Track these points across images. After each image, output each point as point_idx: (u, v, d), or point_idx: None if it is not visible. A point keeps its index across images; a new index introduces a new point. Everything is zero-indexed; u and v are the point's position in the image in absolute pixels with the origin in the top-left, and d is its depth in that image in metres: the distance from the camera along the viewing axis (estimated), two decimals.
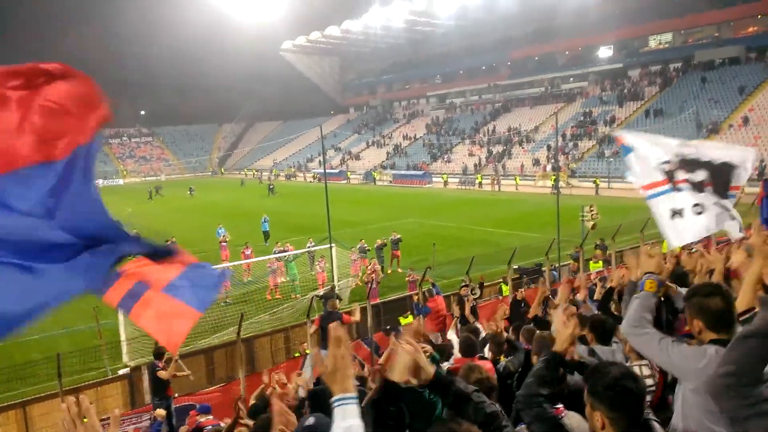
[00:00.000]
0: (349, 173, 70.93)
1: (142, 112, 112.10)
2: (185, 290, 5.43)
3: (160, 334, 5.38)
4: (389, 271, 23.01)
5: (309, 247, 22.42)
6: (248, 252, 23.25)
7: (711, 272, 5.66)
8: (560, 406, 3.38)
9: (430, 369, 2.55)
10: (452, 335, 9.12)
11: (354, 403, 2.06)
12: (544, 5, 66.97)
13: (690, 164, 5.93)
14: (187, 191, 60.65)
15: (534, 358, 4.46)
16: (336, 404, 2.07)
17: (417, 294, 13.32)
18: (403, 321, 14.12)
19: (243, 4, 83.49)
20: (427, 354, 5.89)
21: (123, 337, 14.04)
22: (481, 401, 2.42)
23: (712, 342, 2.69)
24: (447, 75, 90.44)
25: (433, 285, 14.32)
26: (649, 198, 5.93)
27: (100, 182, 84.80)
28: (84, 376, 12.64)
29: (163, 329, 5.43)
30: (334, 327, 2.22)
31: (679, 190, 5.63)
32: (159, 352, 9.78)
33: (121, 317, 14.98)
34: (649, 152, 6.12)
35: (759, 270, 3.55)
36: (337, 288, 19.00)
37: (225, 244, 25.23)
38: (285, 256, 21.43)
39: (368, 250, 22.80)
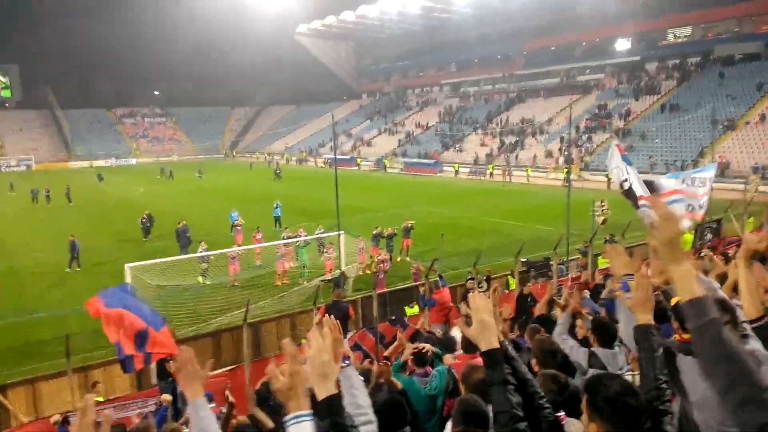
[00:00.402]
0: (359, 160, 70.78)
1: (157, 93, 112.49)
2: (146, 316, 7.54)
3: (165, 351, 7.32)
4: (398, 260, 23.04)
5: (318, 233, 22.50)
6: (259, 236, 23.44)
7: (723, 278, 5.51)
8: (562, 413, 3.39)
9: (495, 341, 2.54)
10: (456, 330, 9.14)
11: (309, 420, 2.02)
12: None
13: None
14: (195, 173, 60.98)
15: (533, 361, 4.46)
16: (291, 422, 2.02)
17: (423, 285, 13.34)
18: (409, 311, 14.19)
19: None
20: (428, 351, 5.93)
21: None
22: (508, 397, 2.44)
23: None
24: (462, 63, 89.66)
25: (440, 277, 14.33)
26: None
27: (112, 161, 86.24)
28: (93, 354, 12.82)
29: (164, 350, 7.46)
30: (287, 343, 2.18)
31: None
32: None
33: None
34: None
35: (746, 275, 3.47)
36: (345, 273, 19.07)
37: (239, 228, 25.40)
38: (296, 242, 21.53)
39: (383, 237, 22.78)
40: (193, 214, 32.66)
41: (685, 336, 4.02)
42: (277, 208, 30.10)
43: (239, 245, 23.38)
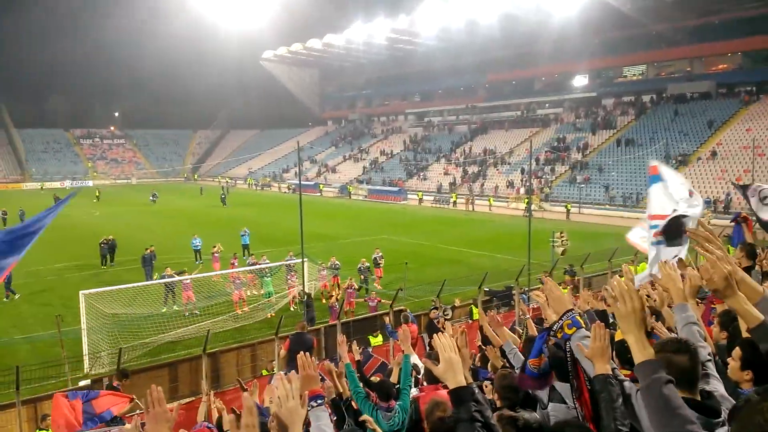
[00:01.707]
0: (321, 186, 70.78)
1: (116, 114, 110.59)
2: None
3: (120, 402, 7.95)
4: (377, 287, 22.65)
5: (288, 259, 22.17)
6: (236, 262, 23.34)
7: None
8: None
9: (461, 379, 2.62)
10: (417, 359, 9.14)
11: None
12: (524, 31, 68.22)
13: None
14: (149, 196, 59.15)
15: (495, 396, 4.50)
16: None
17: (387, 315, 13.35)
18: (373, 341, 14.14)
19: (226, 13, 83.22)
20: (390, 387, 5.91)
21: (86, 350, 13.72)
22: None
23: None
24: (426, 93, 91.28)
25: (409, 313, 14.35)
26: (651, 228, 6.37)
27: (67, 183, 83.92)
28: (44, 384, 12.32)
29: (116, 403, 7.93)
30: (246, 396, 2.22)
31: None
32: (123, 373, 9.58)
33: (84, 325, 14.71)
34: (675, 187, 6.60)
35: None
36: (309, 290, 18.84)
37: (217, 255, 24.94)
38: (262, 269, 21.18)
39: (339, 267, 22.48)
40: (151, 239, 31.92)
41: (625, 372, 4.12)
42: (245, 235, 29.41)
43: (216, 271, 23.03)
